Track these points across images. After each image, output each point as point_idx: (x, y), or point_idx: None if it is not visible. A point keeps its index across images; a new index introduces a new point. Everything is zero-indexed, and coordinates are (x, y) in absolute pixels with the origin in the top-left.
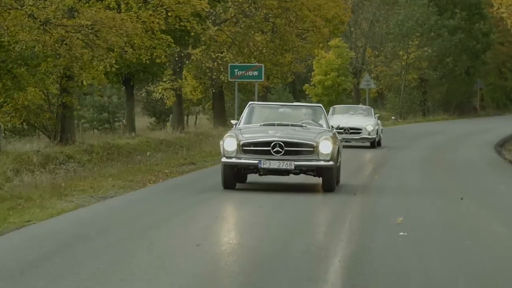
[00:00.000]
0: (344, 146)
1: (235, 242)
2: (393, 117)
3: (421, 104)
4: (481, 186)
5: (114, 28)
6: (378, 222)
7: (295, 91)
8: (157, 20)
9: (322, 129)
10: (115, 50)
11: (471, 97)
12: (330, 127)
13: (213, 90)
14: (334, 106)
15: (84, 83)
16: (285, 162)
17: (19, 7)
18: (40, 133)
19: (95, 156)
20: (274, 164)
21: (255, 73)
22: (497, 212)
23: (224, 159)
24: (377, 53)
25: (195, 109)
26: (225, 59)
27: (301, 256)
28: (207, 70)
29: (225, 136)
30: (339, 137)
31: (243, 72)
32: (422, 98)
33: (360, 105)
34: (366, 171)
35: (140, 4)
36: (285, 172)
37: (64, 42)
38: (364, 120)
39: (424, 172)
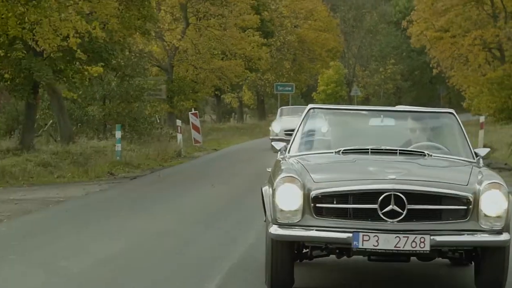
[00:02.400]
0: None
1: None
2: None
3: (396, 105)
4: None
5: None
6: None
7: (305, 98)
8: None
9: (466, 162)
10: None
11: (434, 101)
12: (474, 155)
13: (261, 98)
14: (282, 107)
15: None
16: (410, 236)
17: None
18: None
19: None
20: (388, 241)
21: (289, 88)
22: None
23: (275, 229)
24: (363, 69)
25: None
26: (267, 79)
27: None
28: (258, 85)
29: (277, 177)
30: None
31: (282, 88)
32: (397, 101)
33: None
34: None
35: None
36: (407, 257)
37: None
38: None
39: None
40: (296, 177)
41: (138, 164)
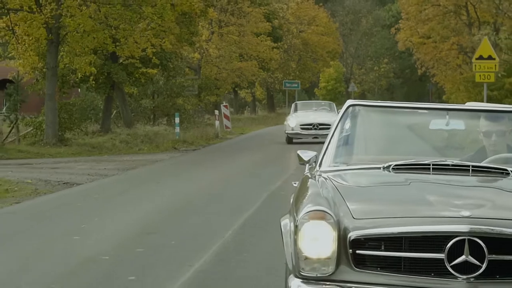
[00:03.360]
0: (314, 142)
1: None
2: None
3: (389, 100)
4: None
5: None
6: None
7: (308, 93)
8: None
9: None
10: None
11: (424, 96)
12: None
13: (270, 93)
14: (296, 102)
15: None
16: None
17: None
18: None
19: None
20: None
21: (295, 85)
22: None
23: (297, 285)
24: (360, 67)
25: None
26: (276, 77)
27: None
28: (268, 82)
29: (302, 210)
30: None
31: (290, 84)
32: (390, 96)
33: (322, 101)
34: None
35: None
36: None
37: None
38: (330, 116)
39: None
40: (328, 211)
41: (192, 142)
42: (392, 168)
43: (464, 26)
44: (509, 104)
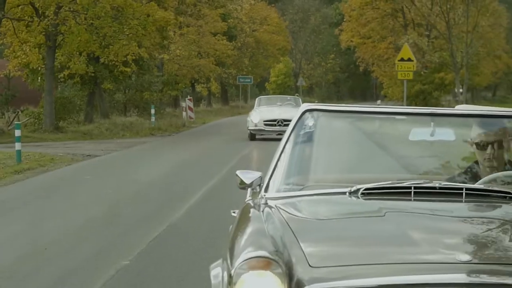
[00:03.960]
0: (278, 139)
1: None
2: (316, 101)
3: (336, 94)
4: None
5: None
6: None
7: (259, 88)
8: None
9: None
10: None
11: (368, 90)
12: None
13: (224, 87)
14: (260, 97)
15: None
16: None
17: None
18: None
19: None
20: None
21: (248, 79)
22: None
23: None
24: (308, 63)
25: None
26: (230, 72)
27: None
28: (223, 77)
29: (239, 257)
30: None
31: (243, 79)
32: (336, 90)
33: (288, 96)
34: None
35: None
36: None
37: None
38: (295, 111)
39: None
40: (274, 257)
41: (165, 129)
42: (362, 193)
43: (400, 27)
44: (438, 95)
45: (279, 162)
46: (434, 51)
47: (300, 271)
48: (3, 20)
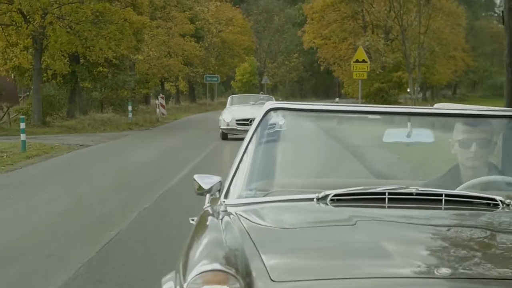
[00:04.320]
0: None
1: None
2: (280, 99)
3: (299, 92)
4: None
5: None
6: None
7: (225, 86)
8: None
9: None
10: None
11: (332, 88)
12: None
13: (192, 86)
14: (232, 96)
15: None
16: None
17: None
18: None
19: None
20: None
21: (215, 78)
22: None
23: None
24: (272, 62)
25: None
26: (198, 71)
27: None
28: (190, 76)
29: (192, 270)
30: (243, 128)
31: (210, 78)
32: (300, 88)
33: (260, 95)
34: None
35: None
36: None
37: None
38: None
39: None
40: (231, 271)
41: (142, 124)
42: (331, 200)
43: (360, 29)
44: (396, 93)
45: (240, 166)
46: (392, 52)
47: (261, 286)
48: None
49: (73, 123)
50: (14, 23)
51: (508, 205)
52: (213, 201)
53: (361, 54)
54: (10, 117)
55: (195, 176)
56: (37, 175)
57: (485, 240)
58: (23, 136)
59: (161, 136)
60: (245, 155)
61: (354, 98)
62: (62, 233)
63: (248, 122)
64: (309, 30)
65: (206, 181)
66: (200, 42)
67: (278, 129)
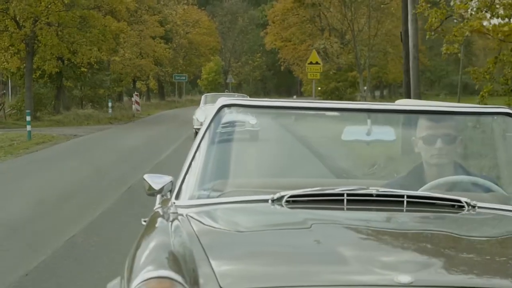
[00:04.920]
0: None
1: None
2: (248, 97)
3: (262, 90)
4: None
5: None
6: None
7: (192, 84)
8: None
9: None
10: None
11: (293, 86)
12: None
13: (161, 84)
14: (206, 94)
15: None
16: None
17: None
18: None
19: None
20: None
21: (183, 77)
22: None
23: None
24: (237, 61)
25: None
26: (167, 71)
27: None
28: (160, 75)
29: (138, 275)
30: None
31: (179, 77)
32: (263, 86)
33: (236, 94)
34: None
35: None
36: None
37: None
38: (244, 114)
39: None
40: (177, 278)
41: (120, 118)
42: (286, 201)
43: (318, 32)
44: (351, 92)
45: (193, 164)
46: (348, 53)
47: None
48: None
49: (60, 117)
50: (7, 28)
51: (473, 206)
52: (164, 202)
53: (314, 57)
54: (6, 112)
55: (145, 176)
56: (55, 154)
57: (448, 245)
58: (29, 127)
59: (141, 128)
60: (197, 153)
61: (311, 96)
62: (94, 186)
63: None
64: (271, 32)
65: (156, 181)
66: (169, 43)
67: (232, 127)
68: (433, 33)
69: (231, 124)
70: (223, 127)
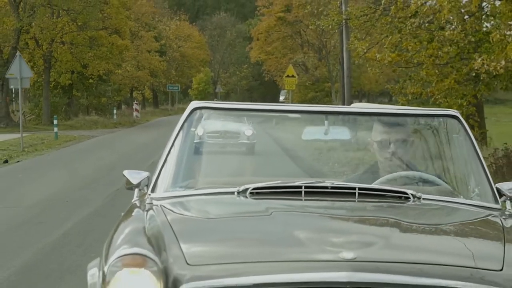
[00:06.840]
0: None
1: None
2: None
3: (249, 98)
4: None
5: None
6: None
7: (184, 94)
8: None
9: (486, 210)
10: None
11: (278, 95)
12: (496, 193)
13: (156, 93)
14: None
15: None
16: None
17: None
18: None
19: None
20: None
21: (176, 87)
22: None
23: None
24: (225, 72)
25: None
26: (161, 81)
27: None
28: (154, 85)
29: (113, 254)
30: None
31: (172, 87)
32: (250, 95)
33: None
34: None
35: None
36: None
37: None
38: (239, 123)
39: None
40: (149, 254)
41: (124, 124)
42: (250, 193)
43: (298, 46)
44: (328, 101)
45: (167, 162)
46: (324, 66)
47: (177, 270)
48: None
49: (72, 122)
50: (28, 46)
51: (419, 198)
52: (141, 195)
53: (290, 70)
54: (26, 117)
55: (125, 172)
56: (87, 147)
57: (391, 229)
58: (55, 129)
59: (144, 131)
60: (171, 152)
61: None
62: (129, 161)
63: (218, 135)
64: (255, 47)
65: (134, 176)
66: (163, 56)
67: (245, 141)
68: (359, 59)
69: (222, 134)
70: (209, 137)
